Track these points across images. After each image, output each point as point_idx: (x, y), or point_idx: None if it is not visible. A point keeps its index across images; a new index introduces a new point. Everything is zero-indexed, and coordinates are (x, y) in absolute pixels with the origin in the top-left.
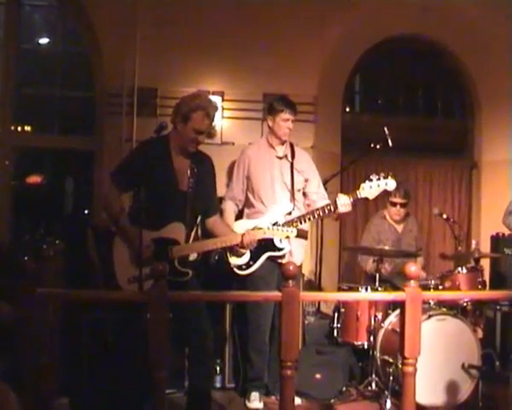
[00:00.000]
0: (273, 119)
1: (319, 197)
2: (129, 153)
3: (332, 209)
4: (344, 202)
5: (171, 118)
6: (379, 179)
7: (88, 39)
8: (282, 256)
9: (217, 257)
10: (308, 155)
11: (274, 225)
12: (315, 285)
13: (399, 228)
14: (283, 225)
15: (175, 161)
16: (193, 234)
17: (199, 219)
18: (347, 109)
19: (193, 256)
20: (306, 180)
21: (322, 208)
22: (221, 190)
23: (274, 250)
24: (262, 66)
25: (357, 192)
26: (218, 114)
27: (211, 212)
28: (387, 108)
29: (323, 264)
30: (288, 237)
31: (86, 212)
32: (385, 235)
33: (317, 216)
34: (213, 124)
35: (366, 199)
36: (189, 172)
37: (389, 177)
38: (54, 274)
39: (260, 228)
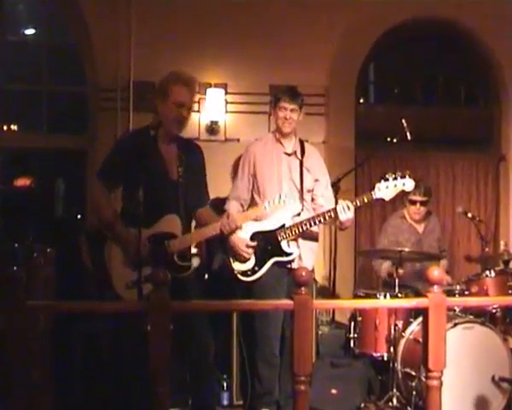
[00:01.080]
0: (274, 109)
1: (326, 201)
2: (113, 147)
3: (332, 216)
4: (344, 209)
5: (152, 103)
6: (395, 179)
7: (77, 29)
8: (291, 262)
9: (220, 263)
10: (318, 153)
11: (281, 228)
12: (329, 292)
13: (420, 228)
14: (291, 228)
15: (162, 148)
16: (192, 227)
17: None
18: (361, 101)
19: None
20: (316, 180)
21: (323, 214)
22: (225, 190)
23: (281, 255)
24: (268, 55)
25: (372, 193)
26: (221, 108)
27: (201, 204)
28: (405, 98)
29: (338, 269)
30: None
31: (79, 216)
32: (404, 236)
33: (318, 222)
34: (194, 99)
35: (382, 200)
36: (177, 160)
37: (407, 176)
38: (45, 284)
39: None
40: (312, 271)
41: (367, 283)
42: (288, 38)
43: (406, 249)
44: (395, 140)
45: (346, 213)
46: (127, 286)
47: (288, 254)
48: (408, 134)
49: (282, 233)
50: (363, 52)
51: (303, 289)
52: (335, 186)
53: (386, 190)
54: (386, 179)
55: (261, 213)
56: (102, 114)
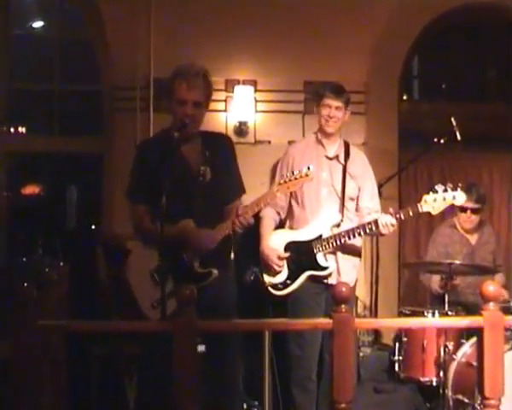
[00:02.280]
0: (317, 106)
1: (371, 211)
2: (133, 161)
3: (373, 228)
4: (386, 223)
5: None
6: (445, 191)
7: (92, 22)
8: (327, 277)
9: (253, 277)
10: (365, 158)
11: (317, 239)
12: (371, 310)
13: (473, 239)
14: (328, 240)
15: (184, 149)
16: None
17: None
18: (404, 97)
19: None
20: (360, 188)
21: (363, 227)
22: (255, 195)
23: (316, 269)
24: (302, 49)
25: (418, 206)
26: (250, 108)
27: (233, 198)
28: (453, 93)
29: (380, 284)
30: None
31: (93, 227)
32: (454, 247)
33: (357, 235)
34: (202, 93)
35: (428, 213)
36: (200, 158)
37: (458, 189)
38: (58, 302)
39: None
40: (354, 287)
41: (413, 299)
42: (323, 29)
43: (457, 262)
44: (443, 141)
45: (389, 227)
46: (153, 306)
47: (323, 269)
48: (457, 134)
49: (319, 245)
50: (406, 44)
51: (343, 306)
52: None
53: (433, 203)
54: (435, 191)
55: (272, 196)
56: (120, 115)
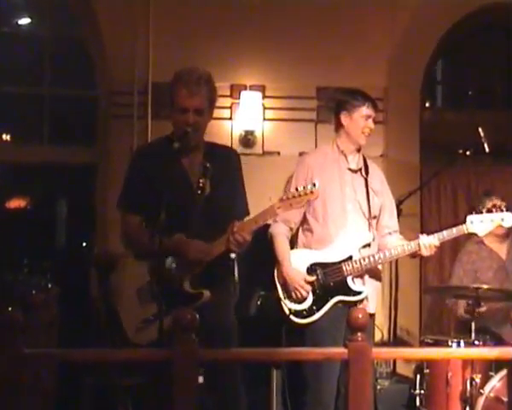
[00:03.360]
0: (349, 115)
1: (391, 231)
2: (128, 166)
3: (412, 249)
4: (429, 245)
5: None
6: (490, 211)
7: (86, 20)
8: (358, 302)
9: (259, 301)
10: (381, 171)
11: (347, 260)
12: (389, 338)
13: (502, 253)
14: (360, 262)
15: (184, 160)
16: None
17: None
18: (427, 105)
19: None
20: (381, 206)
21: (402, 248)
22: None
23: (348, 294)
24: (314, 51)
25: (464, 227)
26: (257, 115)
27: (236, 216)
28: (480, 101)
29: (400, 311)
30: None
31: (84, 244)
32: (484, 263)
33: (394, 257)
34: (205, 100)
35: (475, 235)
36: (201, 171)
37: (504, 209)
38: (47, 328)
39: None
40: (373, 314)
41: (436, 327)
42: (339, 30)
43: (484, 286)
44: (469, 153)
45: (432, 249)
46: (138, 328)
47: (356, 293)
48: (485, 145)
49: (349, 267)
50: (429, 46)
51: (359, 334)
52: (396, 210)
53: (480, 224)
54: (480, 212)
55: (272, 213)
56: (115, 123)
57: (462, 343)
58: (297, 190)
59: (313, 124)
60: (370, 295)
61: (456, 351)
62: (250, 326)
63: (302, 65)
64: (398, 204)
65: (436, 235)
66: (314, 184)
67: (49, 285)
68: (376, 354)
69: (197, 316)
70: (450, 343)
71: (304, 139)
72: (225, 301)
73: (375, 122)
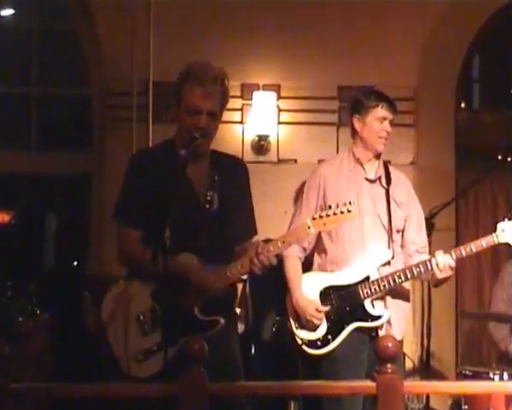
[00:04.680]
0: (362, 119)
1: (418, 247)
2: (125, 172)
3: (425, 270)
4: (443, 265)
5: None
6: None
7: (77, 10)
8: (378, 328)
9: (275, 328)
10: (408, 181)
11: (364, 281)
12: (421, 369)
13: None
14: (378, 282)
15: (189, 168)
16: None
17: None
18: (462, 105)
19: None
20: (406, 218)
21: (417, 268)
22: (279, 228)
23: (366, 319)
24: (335, 46)
25: (494, 236)
26: (272, 118)
27: (244, 236)
28: None
29: (434, 338)
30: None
31: (75, 263)
32: None
33: (409, 277)
34: (218, 102)
35: (508, 245)
36: (208, 182)
37: None
38: (36, 360)
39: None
40: (401, 341)
41: (475, 356)
42: (362, 24)
43: None
44: (510, 158)
45: (447, 270)
46: (138, 360)
47: (374, 318)
48: None
49: (367, 289)
50: (465, 40)
51: (389, 365)
52: (428, 224)
53: None
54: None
55: (303, 233)
56: (112, 126)
57: (505, 376)
58: (330, 207)
59: (334, 127)
60: (395, 319)
61: (499, 385)
62: (265, 354)
63: (322, 61)
64: (431, 217)
65: (453, 251)
66: (350, 202)
67: (37, 311)
68: (408, 388)
69: (206, 346)
70: (491, 376)
71: (324, 145)
72: (232, 329)
73: (405, 125)
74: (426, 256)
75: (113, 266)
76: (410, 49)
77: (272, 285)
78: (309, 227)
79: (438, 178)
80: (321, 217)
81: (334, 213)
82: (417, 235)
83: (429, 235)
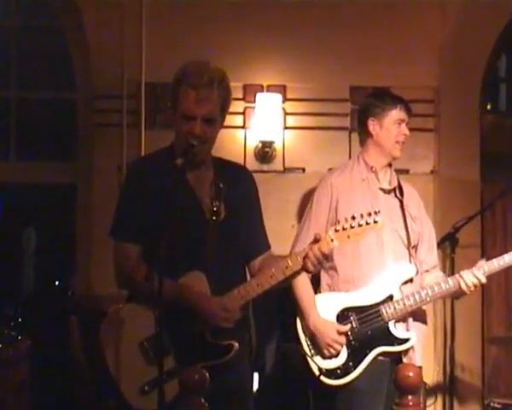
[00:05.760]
0: (379, 122)
1: (429, 267)
2: (123, 184)
3: (455, 286)
4: (471, 283)
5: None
6: None
7: (62, 6)
8: (403, 353)
9: (279, 355)
10: (417, 194)
11: (387, 301)
12: (444, 401)
13: None
14: (403, 302)
15: (190, 177)
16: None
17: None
18: (488, 107)
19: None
20: (419, 234)
21: (447, 283)
22: (286, 244)
23: (391, 343)
24: (347, 43)
25: None
26: (277, 123)
27: (256, 250)
28: None
29: (457, 365)
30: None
31: (57, 283)
32: None
33: (438, 293)
34: (217, 106)
35: None
36: (213, 191)
37: None
38: (16, 391)
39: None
40: (420, 368)
41: (504, 386)
42: (377, 18)
43: None
44: None
45: (476, 287)
46: (143, 391)
47: (401, 342)
48: None
49: (391, 309)
50: (491, 36)
51: (410, 397)
52: (452, 240)
53: None
54: None
55: (326, 246)
56: (100, 133)
57: None
58: (354, 218)
59: (346, 132)
60: (416, 343)
61: None
62: (269, 385)
63: (332, 60)
64: (454, 232)
65: (480, 266)
66: (376, 212)
67: (18, 337)
68: None
69: (207, 375)
70: None
71: (335, 152)
72: (243, 354)
73: (424, 130)
74: (435, 275)
75: (101, 287)
76: (429, 46)
77: (277, 307)
78: (332, 240)
79: (461, 189)
80: (344, 229)
81: (359, 225)
82: (429, 255)
83: (452, 251)
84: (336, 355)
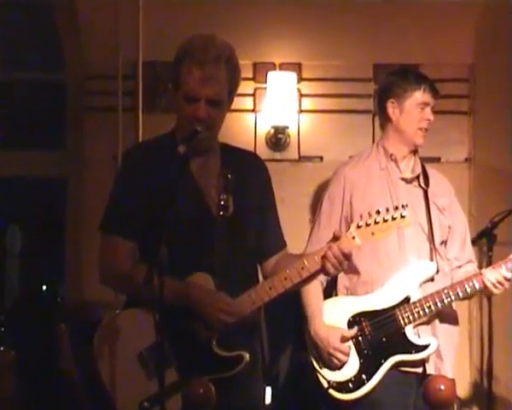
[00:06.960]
0: (399, 105)
1: (462, 264)
2: (117, 174)
3: (480, 286)
4: (495, 281)
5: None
6: None
7: None
8: (423, 361)
9: (293, 364)
10: (449, 183)
11: (403, 303)
12: None
13: None
14: (421, 304)
15: (193, 166)
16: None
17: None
18: None
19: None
20: (449, 227)
21: (470, 281)
22: (301, 241)
23: (408, 351)
24: (369, 17)
25: None
26: (291, 105)
27: (270, 249)
28: None
29: (496, 373)
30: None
31: (44, 288)
32: None
33: (461, 295)
34: (225, 86)
35: None
36: (220, 183)
37: None
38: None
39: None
40: (453, 380)
41: None
42: None
43: None
44: None
45: (500, 286)
46: (142, 407)
47: (419, 349)
48: None
49: (407, 313)
50: None
51: None
52: (489, 236)
53: None
54: None
55: (347, 244)
56: (93, 118)
57: None
58: (379, 212)
59: (370, 116)
60: (446, 350)
61: None
62: (281, 401)
63: (354, 34)
64: (492, 228)
65: (503, 264)
66: (403, 205)
67: (1, 348)
68: None
69: (213, 389)
70: None
71: (357, 138)
72: (254, 366)
73: (458, 113)
74: (469, 268)
75: (94, 292)
76: (464, 17)
77: (292, 312)
78: (353, 238)
79: (499, 179)
80: (368, 225)
81: (384, 220)
82: (461, 252)
83: (490, 249)
84: (340, 366)
